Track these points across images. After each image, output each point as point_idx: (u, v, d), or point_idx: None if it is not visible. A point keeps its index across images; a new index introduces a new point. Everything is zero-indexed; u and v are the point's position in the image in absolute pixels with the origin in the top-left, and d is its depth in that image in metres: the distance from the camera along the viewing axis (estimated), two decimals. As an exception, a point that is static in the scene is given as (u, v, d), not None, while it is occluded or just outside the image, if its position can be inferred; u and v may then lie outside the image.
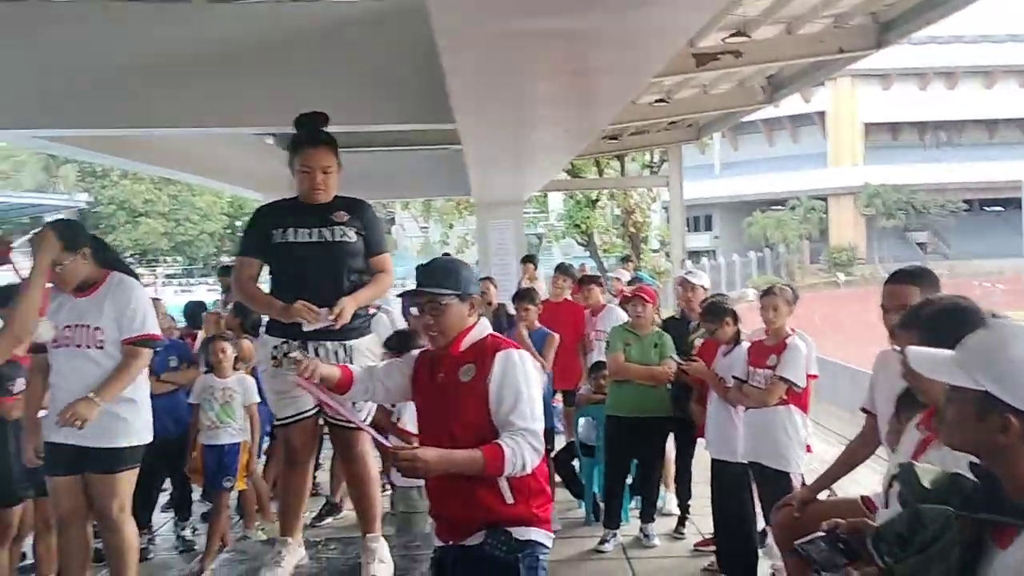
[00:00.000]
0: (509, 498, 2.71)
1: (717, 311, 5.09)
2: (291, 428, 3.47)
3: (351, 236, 3.41)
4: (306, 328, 3.29)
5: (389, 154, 12.08)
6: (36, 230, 3.56)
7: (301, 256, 3.35)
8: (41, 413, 3.85)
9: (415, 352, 3.07)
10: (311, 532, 5.71)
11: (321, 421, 3.58)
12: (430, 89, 5.01)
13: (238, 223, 52.41)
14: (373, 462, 3.63)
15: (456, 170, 11.98)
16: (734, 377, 4.89)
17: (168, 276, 43.28)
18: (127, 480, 3.74)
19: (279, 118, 5.53)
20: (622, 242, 23.52)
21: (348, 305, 3.29)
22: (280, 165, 11.24)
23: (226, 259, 52.14)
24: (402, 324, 6.60)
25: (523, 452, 2.63)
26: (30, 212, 49.46)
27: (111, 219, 45.14)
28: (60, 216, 44.81)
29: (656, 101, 11.28)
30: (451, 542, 2.82)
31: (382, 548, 3.53)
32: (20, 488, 4.61)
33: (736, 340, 5.01)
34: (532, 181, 11.57)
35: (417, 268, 2.91)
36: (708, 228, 44.69)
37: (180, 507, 6.25)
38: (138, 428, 3.75)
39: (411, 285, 3.06)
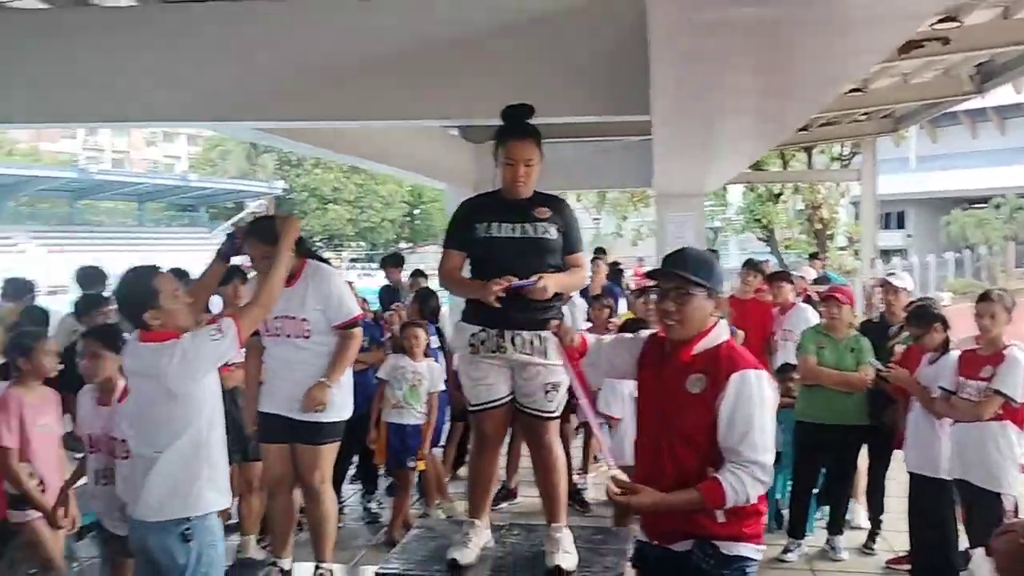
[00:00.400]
0: (720, 518, 2.64)
1: (926, 316, 4.78)
2: (484, 414, 3.54)
3: (552, 233, 3.44)
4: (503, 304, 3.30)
5: (563, 145, 12.12)
6: (278, 214, 3.80)
7: (503, 250, 3.41)
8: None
9: (645, 333, 3.01)
10: (491, 516, 5.83)
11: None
12: (622, 80, 4.97)
13: (416, 211, 54.44)
14: (561, 451, 3.65)
15: (633, 161, 11.86)
16: (941, 388, 4.57)
17: (352, 260, 45.52)
18: (329, 453, 3.96)
19: (466, 111, 5.68)
20: (806, 238, 22.58)
21: (550, 281, 3.29)
22: (463, 156, 11.58)
23: (403, 246, 54.30)
24: (584, 323, 6.66)
25: (746, 488, 2.55)
26: (234, 197, 53.59)
27: (303, 205, 47.92)
28: (260, 201, 47.68)
29: (851, 90, 10.72)
30: (655, 542, 2.79)
31: (567, 538, 3.55)
32: (230, 453, 4.97)
33: (944, 348, 4.69)
34: (719, 174, 11.28)
35: (667, 255, 2.83)
36: (901, 226, 42.09)
37: (366, 480, 6.55)
38: (340, 405, 3.95)
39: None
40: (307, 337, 3.87)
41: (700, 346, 2.69)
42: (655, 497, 2.60)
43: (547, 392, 3.46)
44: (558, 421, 3.62)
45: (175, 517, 3.15)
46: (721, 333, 2.73)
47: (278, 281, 3.46)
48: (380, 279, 9.16)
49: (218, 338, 3.17)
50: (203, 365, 3.16)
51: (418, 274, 8.76)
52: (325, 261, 4.21)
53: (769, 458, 2.58)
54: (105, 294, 5.91)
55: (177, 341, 3.15)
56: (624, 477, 2.67)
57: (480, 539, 3.60)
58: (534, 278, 3.26)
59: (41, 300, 6.60)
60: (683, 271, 2.68)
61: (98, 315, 5.10)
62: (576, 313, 6.64)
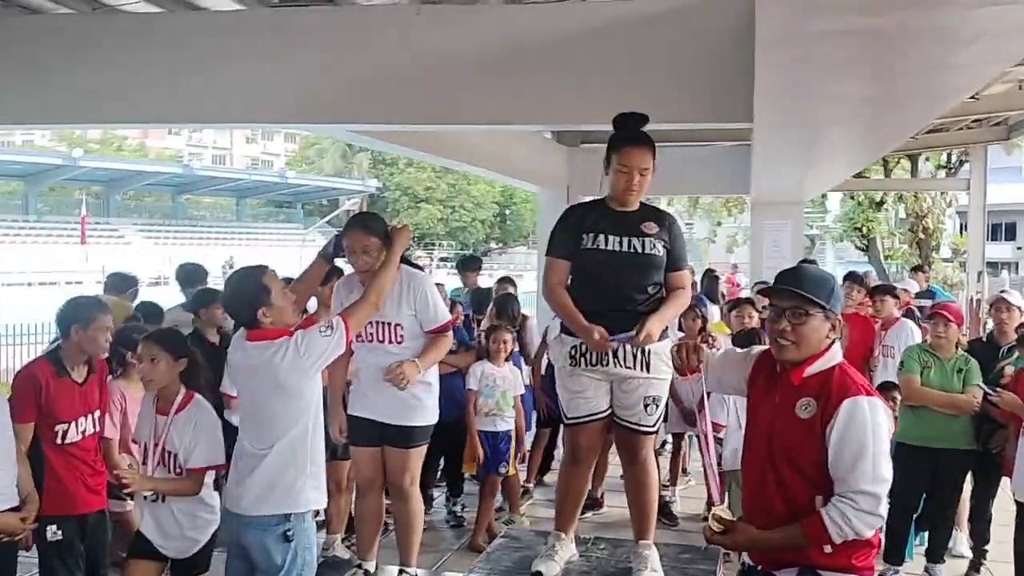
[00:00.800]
0: (828, 548, 2.52)
1: (1040, 338, 4.52)
2: (580, 428, 3.49)
3: (659, 249, 3.38)
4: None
5: (661, 149, 11.96)
6: (392, 223, 3.82)
7: (608, 263, 3.35)
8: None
9: (757, 349, 2.91)
10: (578, 527, 5.79)
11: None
12: (724, 86, 4.87)
13: (507, 211, 54.76)
14: (655, 468, 3.58)
15: (729, 166, 11.65)
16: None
17: (442, 259, 46.05)
18: (418, 455, 3.97)
19: (562, 116, 5.66)
20: (908, 249, 21.74)
21: (655, 325, 3.25)
22: (556, 159, 11.54)
23: (493, 246, 54.66)
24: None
25: (851, 523, 2.44)
26: (330, 195, 54.94)
27: (396, 204, 48.82)
28: (355, 199, 48.63)
29: (964, 97, 10.29)
30: (760, 567, 2.69)
31: (654, 556, 3.48)
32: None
33: (1063, 373, 4.41)
34: (818, 183, 10.99)
35: (783, 271, 2.74)
36: (1011, 237, 40.20)
37: (452, 484, 6.57)
38: (430, 408, 3.96)
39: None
40: (400, 343, 3.87)
41: (813, 368, 2.57)
42: (753, 535, 2.54)
43: (647, 406, 3.40)
44: (654, 436, 3.55)
45: (276, 513, 3.20)
46: (835, 355, 2.61)
47: (387, 282, 3.54)
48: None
49: (328, 335, 3.22)
50: (314, 361, 3.21)
51: (506, 281, 8.50)
52: (415, 266, 4.21)
53: (882, 489, 2.45)
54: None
55: (288, 338, 3.21)
56: (728, 514, 2.60)
57: (566, 553, 3.56)
58: (633, 332, 3.22)
59: (143, 292, 6.81)
60: (801, 290, 2.57)
61: (213, 309, 5.21)
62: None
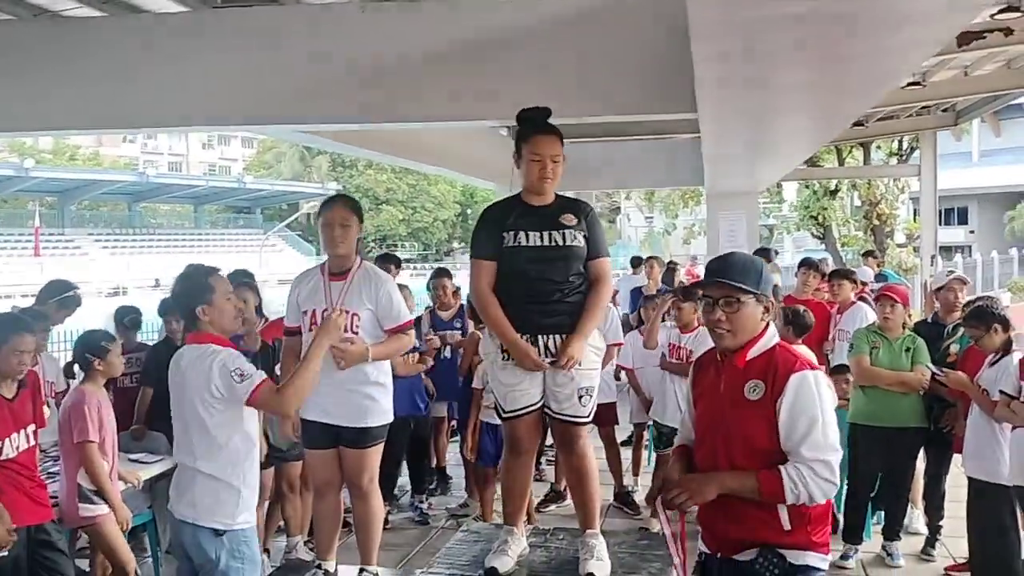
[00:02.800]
0: (786, 525, 2.56)
1: (984, 316, 4.62)
2: (517, 421, 3.50)
3: (580, 240, 3.40)
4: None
5: (615, 144, 12.05)
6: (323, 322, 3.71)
7: (531, 259, 3.38)
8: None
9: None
10: (539, 518, 5.83)
11: None
12: (669, 77, 4.92)
13: (469, 211, 54.72)
14: (593, 458, 3.60)
15: (683, 160, 11.78)
16: (1001, 392, 4.42)
17: (405, 260, 45.87)
18: (375, 454, 3.94)
19: (509, 111, 5.61)
20: (863, 236, 22.08)
21: (576, 349, 3.32)
22: (511, 156, 11.56)
23: (456, 246, 54.59)
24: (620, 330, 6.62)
25: (807, 484, 2.48)
26: (289, 199, 54.48)
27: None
28: (314, 203, 48.44)
29: (909, 84, 10.45)
30: (719, 554, 2.69)
31: (600, 546, 3.51)
32: (273, 455, 5.03)
33: (1006, 350, 4.52)
34: (770, 172, 11.11)
35: (711, 261, 2.80)
36: (963, 222, 41.05)
37: (416, 482, 6.58)
38: (384, 409, 3.93)
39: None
40: (356, 333, 3.82)
41: (755, 351, 2.63)
42: (707, 476, 2.59)
43: (580, 397, 3.41)
44: (590, 427, 3.57)
45: (208, 527, 3.25)
46: (773, 336, 2.66)
47: (311, 377, 3.40)
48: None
49: (238, 381, 3.20)
50: (236, 390, 3.21)
51: (443, 273, 8.42)
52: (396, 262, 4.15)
53: (834, 456, 2.52)
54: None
55: (217, 351, 3.20)
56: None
57: (517, 546, 3.56)
58: (561, 359, 3.29)
59: (98, 303, 6.72)
60: (729, 279, 2.62)
61: (173, 320, 5.18)
62: (611, 320, 6.53)
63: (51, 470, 4.58)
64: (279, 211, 55.36)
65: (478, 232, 3.53)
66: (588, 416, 3.49)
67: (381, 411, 3.89)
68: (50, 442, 4.95)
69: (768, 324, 2.67)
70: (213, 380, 3.17)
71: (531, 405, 3.46)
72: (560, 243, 3.38)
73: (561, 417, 3.47)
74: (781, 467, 2.49)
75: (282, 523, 5.51)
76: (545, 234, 3.39)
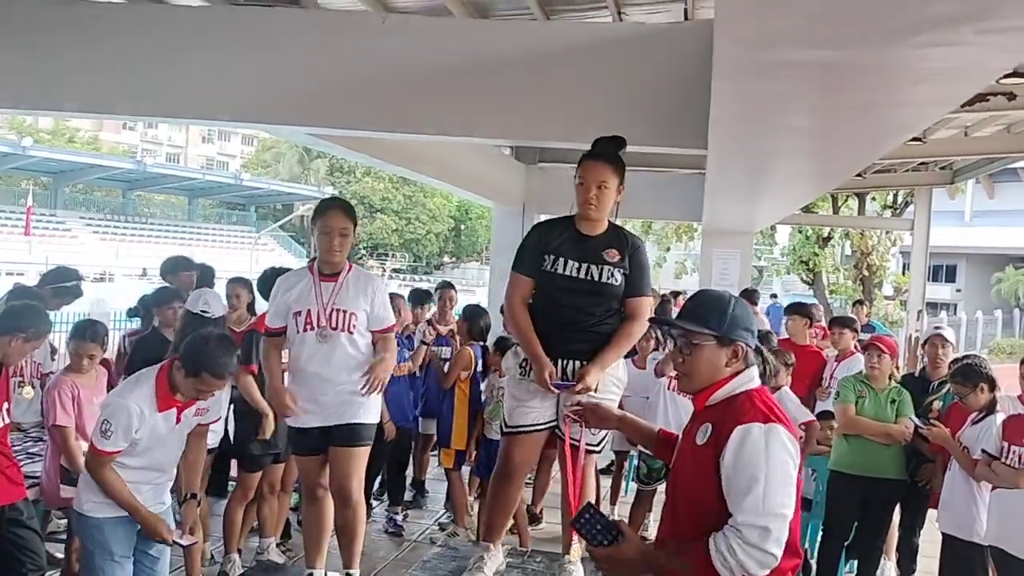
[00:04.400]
0: None
1: (971, 374, 4.66)
2: (517, 438, 3.50)
3: (616, 279, 3.39)
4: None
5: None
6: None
7: (563, 288, 3.39)
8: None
9: None
10: (515, 540, 5.81)
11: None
12: (681, 112, 4.97)
13: (463, 226, 54.78)
14: (593, 485, 3.61)
15: (682, 194, 11.84)
16: (983, 451, 4.45)
17: (394, 270, 45.81)
18: (364, 456, 3.96)
19: (522, 132, 5.70)
20: (852, 285, 22.24)
21: (593, 376, 3.32)
22: (514, 175, 11.60)
23: (447, 260, 54.56)
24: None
25: (736, 555, 2.19)
26: (284, 199, 54.41)
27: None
28: (309, 205, 48.39)
29: (910, 139, 10.58)
30: None
31: (578, 572, 3.50)
32: (262, 457, 5.01)
33: (990, 410, 4.56)
34: (768, 214, 11.21)
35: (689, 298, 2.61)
36: (951, 279, 41.34)
37: (393, 492, 6.55)
38: (374, 408, 3.96)
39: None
40: (351, 333, 3.84)
41: (718, 395, 2.40)
42: (644, 551, 2.36)
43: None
44: (596, 456, 3.58)
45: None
46: (745, 382, 2.40)
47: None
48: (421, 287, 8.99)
49: (99, 434, 3.41)
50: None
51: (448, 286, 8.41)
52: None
53: (772, 523, 2.21)
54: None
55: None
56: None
57: (494, 563, 3.55)
58: (577, 383, 3.29)
59: (88, 287, 6.67)
60: (685, 320, 2.44)
61: (165, 309, 5.15)
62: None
63: (31, 450, 4.56)
64: (273, 211, 55.26)
65: (523, 246, 3.55)
66: (598, 445, 3.49)
67: (372, 410, 3.91)
68: (32, 423, 4.93)
69: (745, 371, 2.42)
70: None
71: (534, 425, 3.46)
72: (595, 278, 3.38)
73: (569, 440, 3.47)
74: (710, 538, 2.24)
75: (256, 524, 5.48)
76: (584, 266, 3.39)
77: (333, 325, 3.80)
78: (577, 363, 3.38)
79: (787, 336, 7.18)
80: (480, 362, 6.20)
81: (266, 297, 5.15)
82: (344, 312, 3.81)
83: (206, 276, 5.89)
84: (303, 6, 5.72)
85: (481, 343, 6.25)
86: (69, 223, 44.34)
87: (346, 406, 3.83)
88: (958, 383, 4.76)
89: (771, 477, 2.23)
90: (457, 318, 6.77)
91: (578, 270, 3.38)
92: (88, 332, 4.41)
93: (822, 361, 6.87)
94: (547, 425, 3.48)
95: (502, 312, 5.70)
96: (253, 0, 5.75)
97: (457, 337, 6.56)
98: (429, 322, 7.03)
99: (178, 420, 3.56)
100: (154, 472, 3.58)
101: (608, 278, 3.38)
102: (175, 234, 47.67)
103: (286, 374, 3.99)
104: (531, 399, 3.42)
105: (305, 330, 3.81)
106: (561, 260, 3.39)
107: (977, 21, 2.57)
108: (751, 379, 2.42)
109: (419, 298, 7.30)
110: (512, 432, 3.51)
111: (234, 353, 3.55)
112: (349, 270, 3.89)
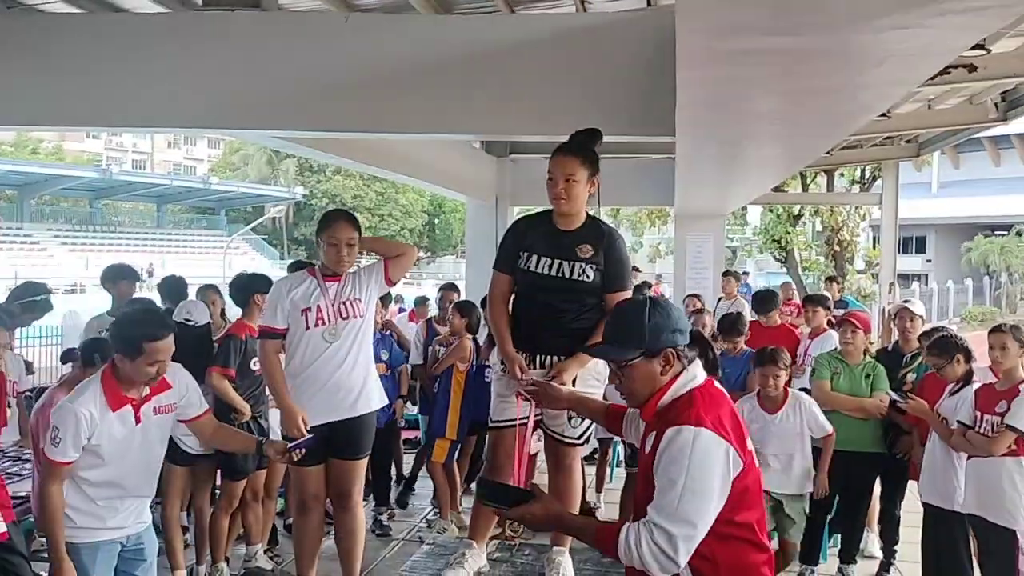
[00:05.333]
0: None
1: (948, 346, 4.73)
2: (501, 433, 3.53)
3: (589, 275, 3.39)
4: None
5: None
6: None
7: (536, 286, 3.42)
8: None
9: None
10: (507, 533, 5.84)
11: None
12: (647, 100, 4.99)
13: (437, 220, 54.62)
14: (579, 479, 3.64)
15: (653, 180, 11.89)
16: (959, 422, 4.53)
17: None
18: (364, 465, 3.99)
19: (489, 126, 5.70)
20: (824, 261, 22.47)
21: (569, 372, 3.34)
22: (485, 168, 11.59)
23: (422, 255, 54.40)
24: None
25: (641, 549, 2.19)
26: (254, 201, 53.99)
27: (323, 211, 48.13)
28: (280, 207, 47.79)
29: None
30: None
31: (566, 563, 3.54)
32: (246, 463, 5.00)
33: (967, 380, 4.64)
34: (740, 196, 11.28)
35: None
36: (921, 251, 41.87)
37: (379, 493, 6.56)
38: (379, 393, 4.03)
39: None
40: (362, 317, 3.89)
41: (663, 402, 2.38)
42: (552, 512, 2.40)
43: (570, 418, 3.45)
44: (581, 448, 3.60)
45: None
46: (687, 383, 2.37)
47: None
48: (400, 288, 9.07)
49: (48, 443, 3.24)
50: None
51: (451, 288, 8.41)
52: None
53: (681, 531, 2.18)
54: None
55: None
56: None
57: (476, 562, 3.56)
58: (553, 378, 3.30)
59: (58, 300, 6.62)
60: (609, 347, 2.46)
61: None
62: None
63: (10, 471, 4.51)
64: (244, 213, 54.80)
65: (502, 243, 3.59)
66: (579, 438, 3.52)
67: (376, 396, 3.95)
68: (10, 442, 4.88)
69: (684, 372, 2.39)
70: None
71: (517, 420, 3.48)
72: (567, 275, 3.38)
73: (552, 434, 3.52)
74: (625, 525, 2.26)
75: (242, 531, 5.46)
76: (556, 263, 3.39)
77: (344, 315, 3.84)
78: (554, 358, 3.41)
79: (756, 319, 7.26)
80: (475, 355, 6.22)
81: (238, 303, 5.15)
82: (350, 301, 3.89)
83: (179, 287, 5.84)
84: (264, 8, 5.66)
85: (473, 336, 6.28)
86: (37, 235, 43.71)
87: (352, 398, 3.88)
88: (935, 356, 4.83)
89: (690, 483, 2.20)
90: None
91: (550, 267, 3.39)
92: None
93: (795, 339, 6.95)
94: (526, 421, 3.50)
95: (482, 306, 5.74)
96: (214, 5, 5.68)
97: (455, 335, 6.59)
98: (429, 322, 7.05)
99: (138, 420, 3.31)
100: (121, 488, 3.35)
101: (580, 275, 3.38)
102: (145, 241, 47.17)
103: (289, 379, 3.97)
104: (510, 395, 3.44)
105: (316, 326, 3.85)
106: (534, 257, 3.41)
107: (935, 3, 2.60)
108: (693, 378, 2.39)
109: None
110: (496, 427, 3.53)
111: (159, 313, 3.50)
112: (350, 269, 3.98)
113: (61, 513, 3.23)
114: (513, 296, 3.54)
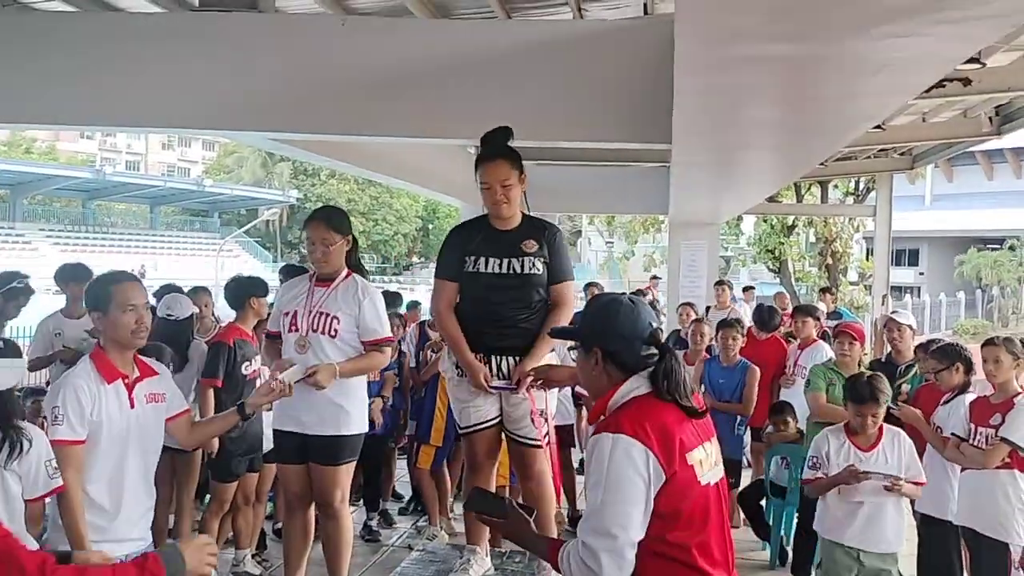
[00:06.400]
0: None
1: (950, 353, 4.73)
2: (474, 436, 3.54)
3: (539, 267, 3.44)
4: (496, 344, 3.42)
5: (579, 168, 12.16)
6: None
7: (489, 286, 3.43)
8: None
9: None
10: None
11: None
12: (644, 107, 4.98)
13: (431, 226, 54.61)
14: (550, 481, 3.61)
15: (648, 187, 11.90)
16: (953, 434, 4.52)
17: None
18: (348, 471, 3.92)
19: (483, 130, 5.65)
20: (817, 272, 22.51)
21: (530, 364, 3.36)
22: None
23: (415, 260, 54.43)
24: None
25: (571, 567, 2.16)
26: (248, 204, 53.93)
27: (316, 215, 48.03)
28: (274, 210, 47.72)
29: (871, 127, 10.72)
30: None
31: (550, 572, 3.51)
32: (237, 465, 4.96)
33: (961, 390, 4.63)
34: (734, 205, 11.30)
35: None
36: (914, 263, 41.98)
37: (370, 499, 6.51)
38: (357, 419, 3.91)
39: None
40: (333, 336, 3.78)
41: (607, 409, 2.31)
42: (514, 527, 2.41)
43: (533, 420, 3.44)
44: (546, 450, 3.58)
45: None
46: (630, 391, 2.28)
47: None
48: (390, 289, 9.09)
49: (51, 425, 3.01)
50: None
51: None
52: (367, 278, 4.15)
53: (602, 544, 2.11)
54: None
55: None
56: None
57: (480, 567, 3.56)
58: (511, 382, 3.35)
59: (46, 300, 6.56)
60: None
61: None
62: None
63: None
64: (237, 216, 54.70)
65: (442, 253, 3.59)
66: (542, 439, 3.50)
67: (354, 422, 3.87)
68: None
69: (623, 381, 2.30)
70: None
71: (486, 421, 3.50)
72: (518, 271, 3.42)
73: (515, 437, 3.51)
74: (567, 541, 2.25)
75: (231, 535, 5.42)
76: (504, 261, 3.43)
77: (314, 327, 3.78)
78: (512, 359, 3.41)
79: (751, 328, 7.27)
80: None
81: (232, 305, 5.14)
82: (326, 315, 3.79)
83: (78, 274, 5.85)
84: (261, 10, 5.65)
85: None
86: (29, 235, 43.53)
87: (327, 418, 3.79)
88: (936, 359, 4.81)
89: (609, 493, 2.12)
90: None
91: (500, 265, 3.42)
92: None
93: (784, 350, 6.96)
94: (496, 420, 3.50)
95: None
96: (211, 6, 5.66)
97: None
98: (422, 325, 7.03)
99: (132, 404, 3.10)
100: (119, 486, 3.09)
101: (530, 268, 3.43)
102: (137, 243, 47.02)
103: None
104: (474, 399, 3.47)
105: (290, 331, 3.82)
106: (483, 259, 3.44)
107: (933, 12, 2.60)
108: (635, 388, 2.29)
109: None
110: (467, 432, 3.54)
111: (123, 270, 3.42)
112: (347, 277, 3.88)
113: (81, 505, 2.99)
114: (459, 304, 3.52)
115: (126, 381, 3.12)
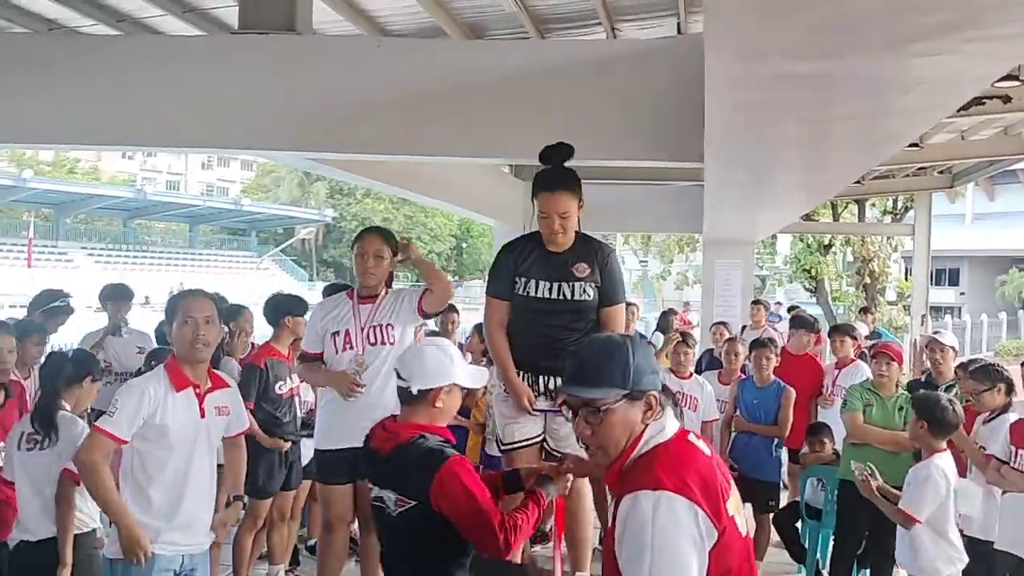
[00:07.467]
0: None
1: (992, 373, 4.65)
2: (515, 454, 3.56)
3: (589, 294, 3.45)
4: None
5: (614, 187, 12.18)
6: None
7: (538, 309, 3.45)
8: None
9: None
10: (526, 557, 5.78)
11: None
12: (677, 125, 4.99)
13: (464, 245, 54.84)
14: (590, 499, 3.61)
15: (683, 206, 11.86)
16: (994, 457, 4.43)
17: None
18: None
19: (519, 150, 5.72)
20: (855, 291, 22.24)
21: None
22: (513, 193, 11.63)
23: (449, 279, 54.65)
24: None
25: None
26: (285, 223, 54.57)
27: (352, 234, 48.55)
28: (311, 228, 48.14)
29: (907, 145, 10.61)
30: None
31: None
32: (272, 483, 5.00)
33: (1003, 411, 4.55)
34: (769, 223, 11.22)
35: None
36: (954, 283, 41.30)
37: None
38: None
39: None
40: (392, 344, 3.83)
41: (629, 461, 2.04)
42: None
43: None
44: None
45: None
46: (655, 435, 2.05)
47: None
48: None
49: (105, 417, 3.10)
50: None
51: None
52: None
53: None
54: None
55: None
56: None
57: None
58: (558, 405, 3.23)
59: (88, 317, 6.72)
60: (583, 387, 2.07)
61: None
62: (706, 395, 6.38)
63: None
64: (274, 235, 55.37)
65: (494, 270, 3.60)
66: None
67: None
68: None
69: (660, 419, 2.07)
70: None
71: (528, 439, 3.50)
72: (568, 297, 3.42)
73: (557, 455, 3.49)
74: None
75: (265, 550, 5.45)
76: (555, 286, 3.43)
77: (371, 341, 3.83)
78: (558, 379, 3.39)
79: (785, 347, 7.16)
80: None
81: (270, 322, 5.19)
82: (379, 327, 3.87)
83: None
84: (299, 32, 5.75)
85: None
86: (71, 253, 44.41)
87: None
88: (977, 379, 4.73)
89: (656, 556, 1.88)
90: (465, 337, 6.82)
91: (550, 290, 3.43)
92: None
93: (820, 369, 6.87)
94: (538, 438, 3.51)
95: (479, 332, 5.74)
96: (250, 29, 5.77)
97: (469, 354, 6.56)
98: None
99: (202, 413, 3.16)
100: (182, 488, 3.13)
101: (581, 295, 3.42)
102: (176, 261, 47.74)
103: (321, 398, 4.02)
104: (519, 415, 3.46)
105: (344, 350, 3.86)
106: (533, 282, 3.44)
107: (965, 30, 2.59)
108: (661, 429, 2.07)
109: None
110: (510, 449, 3.54)
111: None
112: (386, 294, 3.94)
113: (111, 479, 3.06)
114: (510, 322, 3.54)
115: (197, 391, 3.19)
